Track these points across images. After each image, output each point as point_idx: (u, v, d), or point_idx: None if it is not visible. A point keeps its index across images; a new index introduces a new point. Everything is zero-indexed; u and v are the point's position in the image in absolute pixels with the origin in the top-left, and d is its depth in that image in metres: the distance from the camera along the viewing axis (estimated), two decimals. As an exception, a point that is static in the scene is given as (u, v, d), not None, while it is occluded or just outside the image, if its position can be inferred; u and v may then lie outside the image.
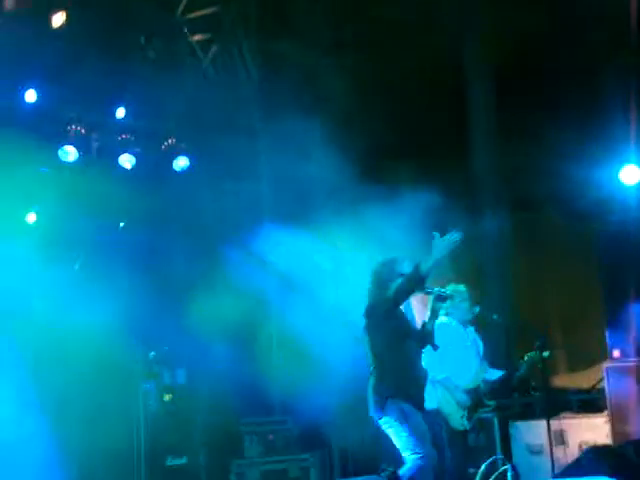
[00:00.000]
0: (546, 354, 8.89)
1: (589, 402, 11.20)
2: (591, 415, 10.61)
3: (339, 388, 11.08)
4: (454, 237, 7.24)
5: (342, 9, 12.45)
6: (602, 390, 10.61)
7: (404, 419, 7.34)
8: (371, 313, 7.62)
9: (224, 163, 11.38)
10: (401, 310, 7.60)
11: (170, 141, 11.09)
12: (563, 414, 10.55)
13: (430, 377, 8.64)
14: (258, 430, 10.96)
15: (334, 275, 10.78)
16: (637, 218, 10.94)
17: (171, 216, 11.19)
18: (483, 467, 7.34)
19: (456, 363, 8.73)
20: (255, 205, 11.59)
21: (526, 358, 9.02)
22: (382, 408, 7.44)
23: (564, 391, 11.47)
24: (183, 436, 9.80)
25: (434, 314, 7.78)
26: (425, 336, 7.72)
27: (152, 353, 9.76)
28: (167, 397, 9.93)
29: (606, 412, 10.33)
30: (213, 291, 10.42)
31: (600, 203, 11.48)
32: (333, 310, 10.46)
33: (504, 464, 8.37)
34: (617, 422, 10.15)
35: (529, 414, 10.74)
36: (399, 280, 7.48)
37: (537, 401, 10.75)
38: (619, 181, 11.16)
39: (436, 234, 7.26)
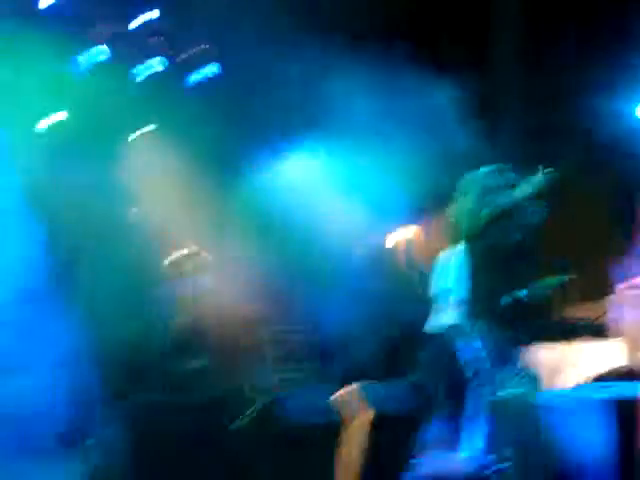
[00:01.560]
0: (566, 278, 8.92)
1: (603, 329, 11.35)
2: (607, 341, 10.75)
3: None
4: (549, 174, 7.27)
5: None
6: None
7: (488, 339, 7.46)
8: (471, 231, 7.63)
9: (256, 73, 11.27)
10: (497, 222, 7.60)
11: (203, 46, 10.93)
12: (577, 339, 10.68)
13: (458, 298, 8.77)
14: (279, 337, 10.98)
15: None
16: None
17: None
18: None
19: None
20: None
21: (546, 280, 9.04)
22: (469, 323, 7.55)
23: (578, 319, 11.60)
24: (202, 338, 9.79)
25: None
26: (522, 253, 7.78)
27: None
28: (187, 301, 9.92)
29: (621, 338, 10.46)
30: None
31: (620, 136, 11.56)
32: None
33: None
34: (634, 348, 10.27)
35: (543, 338, 10.84)
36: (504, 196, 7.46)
37: (551, 324, 10.86)
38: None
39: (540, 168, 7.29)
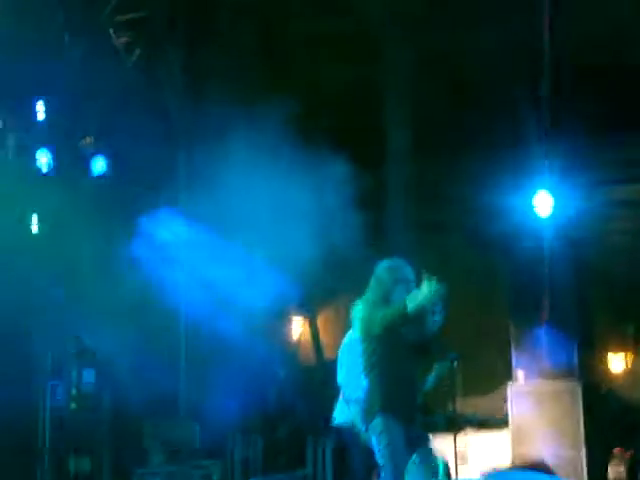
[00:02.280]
0: (456, 365, 8.90)
1: (491, 423, 11.40)
2: (493, 434, 10.80)
3: (243, 397, 11.20)
4: (441, 290, 7.33)
5: (269, 21, 12.61)
6: (505, 410, 10.83)
7: (386, 435, 7.43)
8: (367, 326, 7.64)
9: (141, 169, 11.37)
10: (399, 326, 7.61)
11: (88, 142, 11.00)
12: (465, 432, 10.70)
13: (346, 396, 8.79)
14: (162, 436, 10.90)
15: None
16: (546, 246, 11.16)
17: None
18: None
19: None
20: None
21: (436, 368, 9.02)
22: (369, 418, 7.53)
23: (467, 412, 11.64)
24: (87, 437, 9.65)
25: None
26: (423, 351, 7.78)
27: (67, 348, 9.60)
28: (74, 394, 9.79)
29: (507, 432, 10.52)
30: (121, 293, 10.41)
31: (511, 230, 11.71)
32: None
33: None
34: (517, 443, 10.34)
35: (432, 431, 10.83)
36: (396, 302, 7.50)
37: (440, 418, 10.86)
38: (532, 209, 11.39)
39: (427, 276, 7.34)
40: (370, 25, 12.35)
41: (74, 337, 9.68)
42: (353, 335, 8.72)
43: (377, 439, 7.56)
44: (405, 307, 7.31)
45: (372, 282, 7.80)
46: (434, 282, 7.26)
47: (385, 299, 7.60)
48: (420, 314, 7.46)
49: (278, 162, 10.74)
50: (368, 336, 7.61)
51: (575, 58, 12.13)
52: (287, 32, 12.86)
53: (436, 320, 7.63)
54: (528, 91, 12.06)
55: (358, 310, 8.26)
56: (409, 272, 7.71)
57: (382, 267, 7.82)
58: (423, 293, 7.25)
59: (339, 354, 9.17)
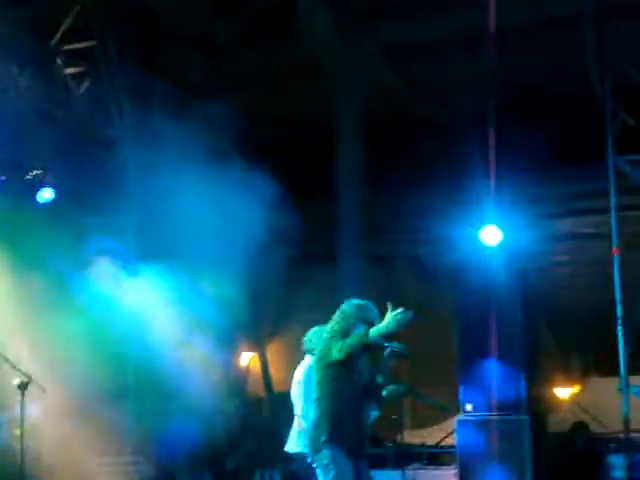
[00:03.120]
0: (402, 389, 8.86)
1: (439, 455, 11.43)
2: (440, 467, 10.83)
3: (192, 429, 11.12)
4: (407, 316, 7.35)
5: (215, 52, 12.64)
6: (453, 443, 10.86)
7: (333, 466, 7.39)
8: (324, 355, 7.62)
9: (89, 197, 11.30)
10: (354, 359, 7.61)
11: (35, 173, 10.91)
12: (413, 465, 10.71)
13: (303, 426, 8.77)
14: (111, 470, 10.76)
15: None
16: (494, 278, 11.23)
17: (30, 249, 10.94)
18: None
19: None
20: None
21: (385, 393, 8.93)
22: (316, 449, 7.48)
23: (414, 444, 11.66)
24: (30, 475, 9.47)
25: (386, 369, 7.79)
26: (373, 389, 7.75)
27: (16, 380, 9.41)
28: (17, 431, 9.60)
29: (455, 465, 10.54)
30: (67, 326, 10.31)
31: (459, 262, 11.77)
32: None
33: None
34: (466, 475, 10.36)
35: (379, 464, 10.83)
36: (357, 333, 7.51)
37: (389, 450, 10.87)
38: (479, 241, 11.46)
39: (391, 305, 7.37)
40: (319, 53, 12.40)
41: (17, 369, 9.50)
42: (312, 363, 8.74)
43: (324, 471, 7.54)
44: (367, 335, 7.33)
45: (337, 315, 7.83)
46: (397, 311, 7.32)
47: (345, 333, 7.63)
48: (379, 344, 7.51)
49: (225, 188, 10.74)
50: (325, 363, 7.61)
51: (523, 89, 12.32)
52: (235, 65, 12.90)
53: (395, 352, 7.66)
54: (476, 124, 12.19)
55: (316, 338, 8.32)
56: (375, 315, 7.75)
57: (351, 304, 7.87)
58: (385, 323, 7.29)
59: (296, 385, 9.16)
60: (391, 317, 7.36)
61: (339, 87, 12.58)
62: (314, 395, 7.69)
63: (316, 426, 7.62)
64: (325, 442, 7.47)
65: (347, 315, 7.79)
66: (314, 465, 7.66)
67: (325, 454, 7.47)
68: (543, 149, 12.21)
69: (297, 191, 11.75)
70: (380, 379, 7.84)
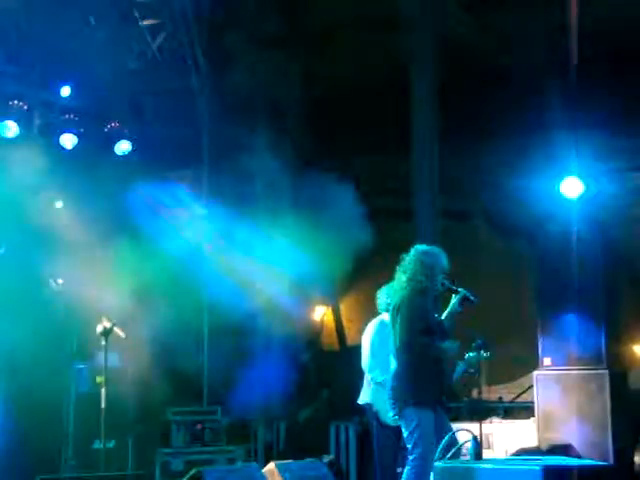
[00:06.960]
0: (486, 354, 8.83)
1: (516, 409, 11.32)
2: (519, 421, 10.72)
3: (266, 382, 11.19)
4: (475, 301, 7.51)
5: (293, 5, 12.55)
6: (531, 398, 10.74)
7: (418, 425, 7.51)
8: (401, 313, 7.68)
9: (165, 150, 11.34)
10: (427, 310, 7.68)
11: (113, 124, 10.96)
12: (490, 419, 10.62)
13: (371, 378, 8.75)
14: (186, 419, 10.88)
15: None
16: (574, 231, 11.03)
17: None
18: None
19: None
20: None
21: (466, 357, 8.93)
22: (400, 407, 7.55)
23: (492, 399, 11.56)
24: (112, 420, 9.61)
25: (452, 314, 7.87)
26: (444, 334, 7.79)
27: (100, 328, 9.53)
28: (99, 379, 9.75)
29: (533, 419, 10.42)
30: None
31: (538, 216, 11.59)
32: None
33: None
34: (544, 429, 10.25)
35: (457, 418, 10.77)
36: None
37: (466, 404, 10.78)
38: (559, 194, 11.26)
39: (462, 290, 7.43)
40: (394, 10, 12.23)
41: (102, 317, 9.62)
42: (383, 319, 8.73)
43: (407, 425, 7.56)
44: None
45: (408, 264, 7.78)
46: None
47: (424, 281, 7.62)
48: (453, 289, 7.59)
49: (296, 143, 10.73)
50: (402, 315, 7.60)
51: (604, 42, 12.04)
52: (311, 18, 12.80)
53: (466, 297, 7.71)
54: (556, 76, 11.96)
55: (385, 296, 8.30)
56: (446, 261, 7.73)
57: (421, 251, 7.82)
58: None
59: (363, 339, 9.13)
60: (456, 301, 7.47)
61: (418, 38, 12.40)
62: (399, 349, 7.68)
63: (400, 384, 7.63)
64: (412, 404, 7.50)
65: (422, 263, 7.77)
66: (395, 417, 7.69)
67: (411, 412, 7.52)
68: (624, 101, 11.96)
69: (372, 145, 11.68)
70: (446, 323, 7.86)
